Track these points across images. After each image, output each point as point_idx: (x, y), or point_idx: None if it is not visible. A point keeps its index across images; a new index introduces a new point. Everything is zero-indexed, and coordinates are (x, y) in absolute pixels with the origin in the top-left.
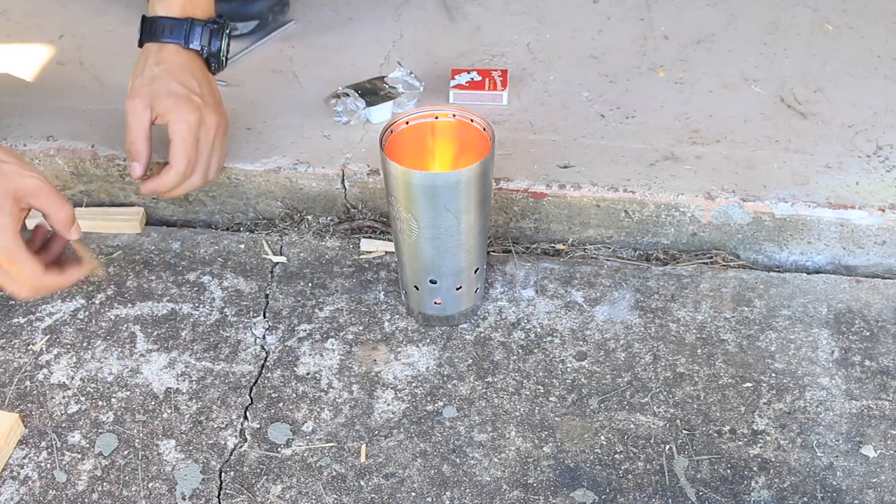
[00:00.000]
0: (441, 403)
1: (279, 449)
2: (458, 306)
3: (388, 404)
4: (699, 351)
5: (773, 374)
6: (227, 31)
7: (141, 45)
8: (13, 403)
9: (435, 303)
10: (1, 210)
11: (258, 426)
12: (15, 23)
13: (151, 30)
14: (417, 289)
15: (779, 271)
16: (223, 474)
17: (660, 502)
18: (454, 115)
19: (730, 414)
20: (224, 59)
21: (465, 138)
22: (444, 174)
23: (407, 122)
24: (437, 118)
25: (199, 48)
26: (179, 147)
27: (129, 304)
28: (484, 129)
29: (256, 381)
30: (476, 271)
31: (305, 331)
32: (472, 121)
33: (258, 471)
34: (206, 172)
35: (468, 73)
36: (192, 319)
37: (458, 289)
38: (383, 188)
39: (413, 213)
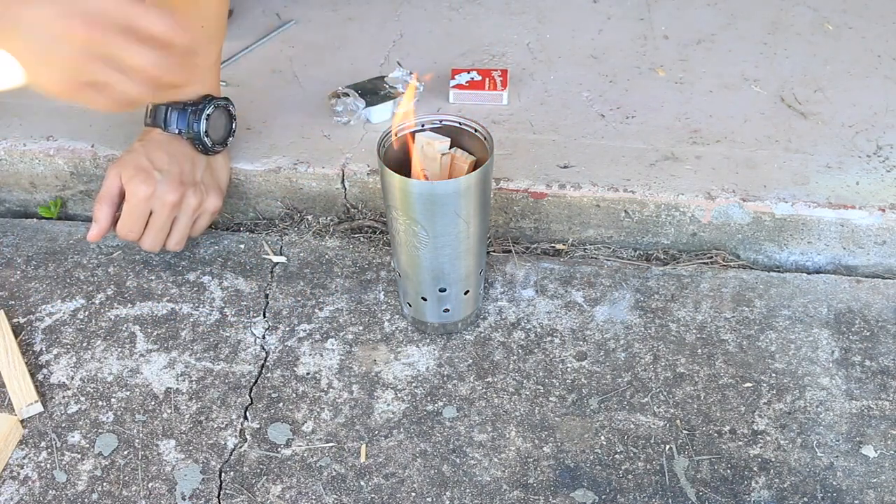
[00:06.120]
0: (441, 403)
1: (279, 449)
2: (465, 310)
3: (388, 404)
4: (699, 351)
5: (773, 374)
6: (209, 113)
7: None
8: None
9: (444, 310)
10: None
11: (258, 426)
12: None
13: (145, 112)
14: (425, 300)
15: (779, 271)
16: (223, 474)
17: (660, 502)
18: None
19: (730, 414)
20: (208, 141)
21: (463, 142)
22: (454, 181)
23: (397, 134)
24: (441, 123)
25: (176, 131)
26: (125, 216)
27: (129, 304)
28: (476, 131)
29: (256, 381)
30: (481, 272)
31: (305, 331)
32: (476, 131)
33: (258, 471)
34: (156, 244)
35: (468, 73)
36: (191, 319)
37: (465, 293)
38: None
39: (421, 222)
